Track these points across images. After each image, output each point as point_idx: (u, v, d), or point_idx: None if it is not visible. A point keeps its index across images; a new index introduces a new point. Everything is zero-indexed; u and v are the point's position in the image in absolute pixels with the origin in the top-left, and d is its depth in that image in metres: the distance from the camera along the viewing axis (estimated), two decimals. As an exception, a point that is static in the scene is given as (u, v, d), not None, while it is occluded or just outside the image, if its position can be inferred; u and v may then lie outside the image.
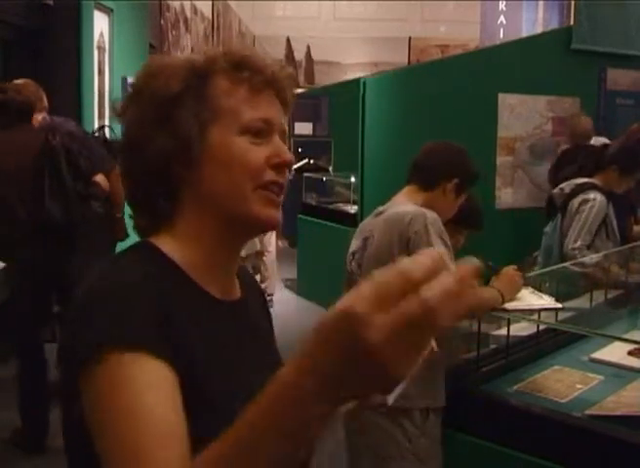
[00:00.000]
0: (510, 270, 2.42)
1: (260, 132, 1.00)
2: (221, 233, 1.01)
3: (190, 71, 1.00)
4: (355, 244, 2.43)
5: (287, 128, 1.07)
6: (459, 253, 2.36)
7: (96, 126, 5.03)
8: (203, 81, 1.00)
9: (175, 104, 0.98)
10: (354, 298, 0.60)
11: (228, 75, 1.00)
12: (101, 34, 5.53)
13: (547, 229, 3.67)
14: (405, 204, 2.34)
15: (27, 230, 3.54)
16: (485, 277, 2.48)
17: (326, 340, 0.62)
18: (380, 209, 2.40)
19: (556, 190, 3.67)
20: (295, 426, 0.66)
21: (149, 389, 0.82)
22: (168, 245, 1.00)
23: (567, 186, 3.56)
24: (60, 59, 5.00)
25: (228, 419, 0.71)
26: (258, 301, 1.17)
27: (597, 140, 5.08)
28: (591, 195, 3.40)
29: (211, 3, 10.65)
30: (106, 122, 5.54)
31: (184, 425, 0.82)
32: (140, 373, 0.82)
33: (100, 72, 5.52)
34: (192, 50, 9.38)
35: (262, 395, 0.67)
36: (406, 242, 2.21)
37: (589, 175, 3.55)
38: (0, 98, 3.55)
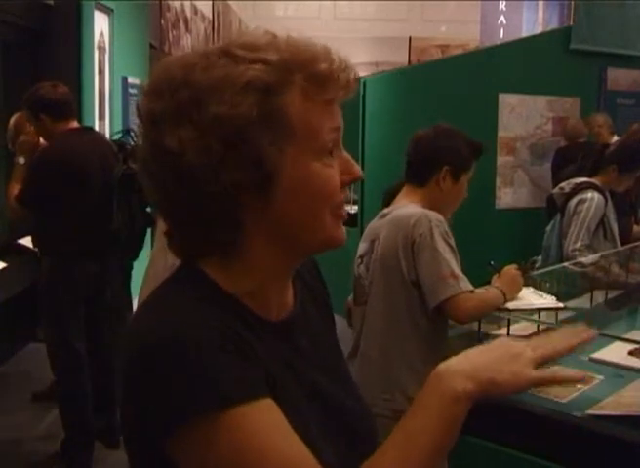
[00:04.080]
0: (511, 269, 2.42)
1: (332, 149, 0.90)
2: (286, 259, 0.93)
3: (261, 89, 0.85)
4: (363, 247, 2.41)
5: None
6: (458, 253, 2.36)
7: (96, 126, 5.03)
8: (275, 99, 0.86)
9: (247, 130, 0.84)
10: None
11: (305, 91, 0.87)
12: (102, 34, 5.53)
13: (548, 229, 3.68)
14: (407, 206, 2.33)
15: (94, 240, 3.46)
16: (486, 277, 2.48)
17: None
18: (385, 211, 2.39)
19: (556, 190, 3.67)
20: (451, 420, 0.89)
21: (269, 432, 0.81)
22: (218, 272, 0.90)
23: (566, 186, 3.56)
24: (60, 60, 4.99)
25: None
26: (314, 296, 1.09)
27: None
28: (588, 194, 3.40)
29: (211, 3, 10.64)
30: (107, 122, 5.55)
31: (307, 450, 0.83)
32: (251, 423, 0.80)
33: (100, 72, 5.51)
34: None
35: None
36: (411, 245, 2.21)
37: (590, 175, 3.55)
38: (48, 96, 3.41)
